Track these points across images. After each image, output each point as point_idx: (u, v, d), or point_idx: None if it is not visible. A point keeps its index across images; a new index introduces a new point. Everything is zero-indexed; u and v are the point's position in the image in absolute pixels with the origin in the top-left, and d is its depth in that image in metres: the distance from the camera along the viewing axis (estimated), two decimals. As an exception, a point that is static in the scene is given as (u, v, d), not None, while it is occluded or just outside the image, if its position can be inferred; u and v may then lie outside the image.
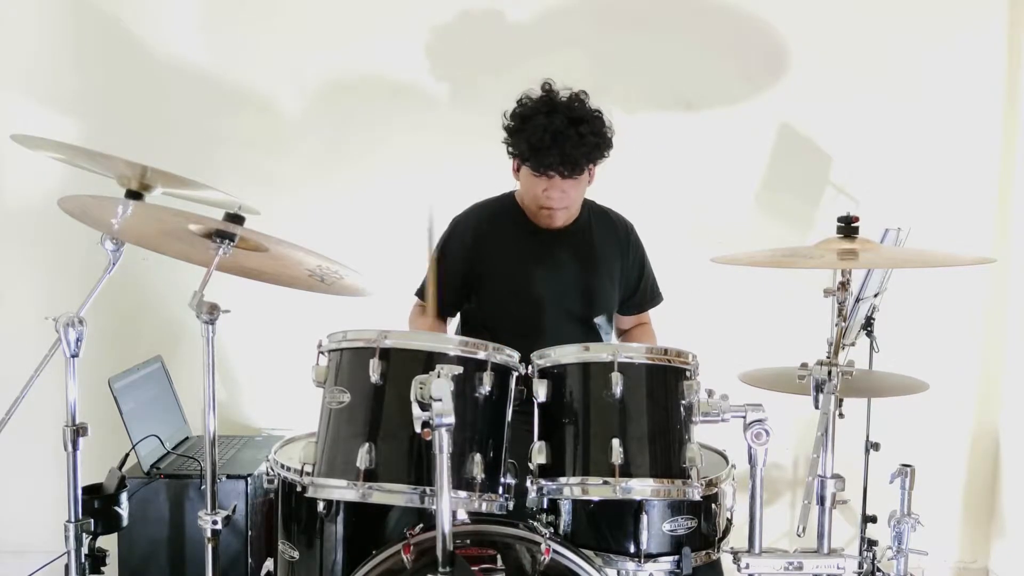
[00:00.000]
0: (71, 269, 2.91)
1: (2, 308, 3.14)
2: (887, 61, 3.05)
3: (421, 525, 1.76)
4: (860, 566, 2.59)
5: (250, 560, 2.54)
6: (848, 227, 2.00)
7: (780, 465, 3.16)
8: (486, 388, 1.73)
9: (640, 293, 2.56)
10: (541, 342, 1.91)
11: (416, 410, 1.49)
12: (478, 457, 1.72)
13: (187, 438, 2.88)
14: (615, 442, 1.73)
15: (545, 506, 1.88)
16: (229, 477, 2.55)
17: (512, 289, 2.40)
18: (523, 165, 2.30)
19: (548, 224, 2.38)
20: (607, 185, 2.52)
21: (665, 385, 1.80)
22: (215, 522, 1.89)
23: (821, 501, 1.90)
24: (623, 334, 2.62)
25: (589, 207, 2.49)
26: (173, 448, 2.73)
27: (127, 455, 2.53)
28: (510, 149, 2.32)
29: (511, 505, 1.81)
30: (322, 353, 1.81)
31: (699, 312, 2.98)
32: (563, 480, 1.77)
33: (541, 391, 1.80)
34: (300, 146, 3.13)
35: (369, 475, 1.67)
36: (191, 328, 1.89)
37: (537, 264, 2.40)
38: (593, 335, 2.45)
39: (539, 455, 1.78)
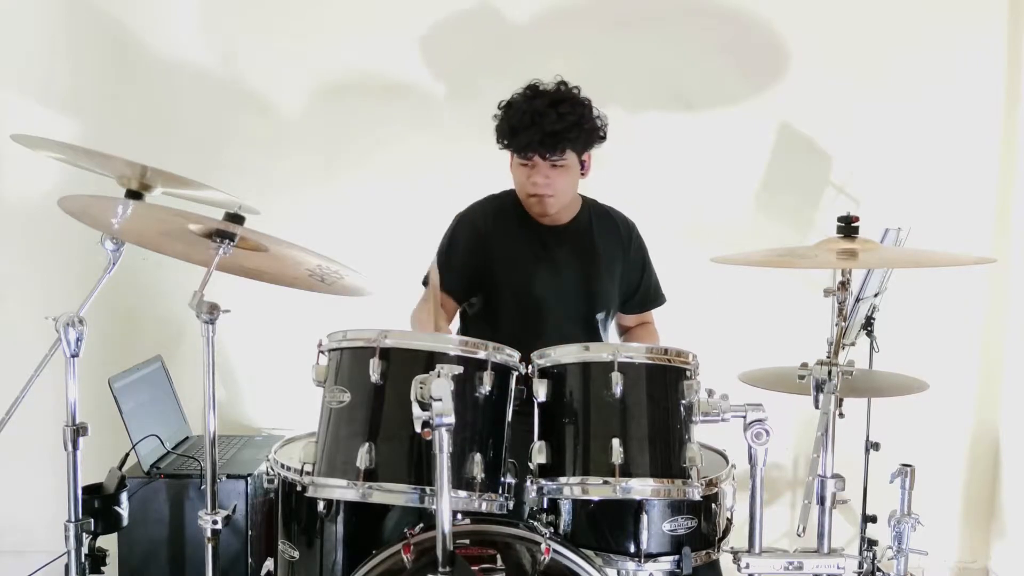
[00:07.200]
0: (71, 269, 2.91)
1: (2, 308, 3.14)
2: (887, 61, 3.05)
3: (421, 525, 1.76)
4: (860, 566, 2.59)
5: (250, 560, 2.54)
6: (848, 227, 2.00)
7: (780, 465, 3.15)
8: (486, 388, 1.73)
9: (641, 293, 2.55)
10: (541, 341, 1.90)
11: (416, 410, 1.48)
12: (478, 457, 1.72)
13: (187, 438, 2.88)
14: (615, 442, 1.73)
15: (545, 506, 1.87)
16: (229, 477, 2.55)
17: (513, 286, 2.40)
18: (508, 151, 2.32)
19: (539, 213, 2.38)
20: (607, 184, 2.53)
21: (665, 385, 1.80)
22: (215, 522, 1.89)
23: (821, 501, 1.90)
24: (625, 332, 2.61)
25: (590, 207, 2.49)
26: (173, 448, 2.73)
27: (127, 455, 2.53)
28: (496, 137, 2.33)
29: (511, 505, 1.80)
30: (322, 353, 1.81)
31: (699, 312, 2.98)
32: (563, 480, 1.77)
33: (541, 391, 1.79)
34: (300, 146, 3.12)
35: (369, 475, 1.67)
36: (191, 328, 1.89)
37: (538, 262, 2.40)
38: (594, 335, 2.44)
39: (539, 455, 1.78)
